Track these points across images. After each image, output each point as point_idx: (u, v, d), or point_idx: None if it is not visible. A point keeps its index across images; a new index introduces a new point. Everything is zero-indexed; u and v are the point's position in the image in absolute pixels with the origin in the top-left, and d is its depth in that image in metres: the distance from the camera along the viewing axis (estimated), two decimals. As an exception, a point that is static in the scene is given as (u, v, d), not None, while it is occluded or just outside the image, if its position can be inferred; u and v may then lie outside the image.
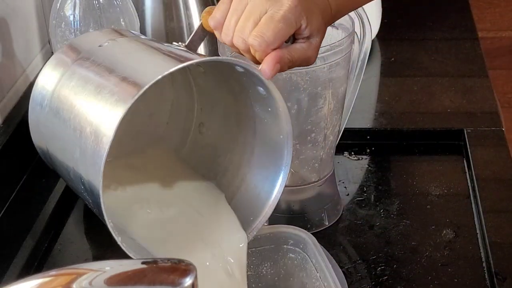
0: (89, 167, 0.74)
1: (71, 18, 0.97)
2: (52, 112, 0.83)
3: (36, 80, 0.87)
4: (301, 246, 0.84)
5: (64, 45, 0.89)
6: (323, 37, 0.78)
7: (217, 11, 0.76)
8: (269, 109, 0.78)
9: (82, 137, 0.75)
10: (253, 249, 0.83)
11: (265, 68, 0.73)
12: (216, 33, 0.78)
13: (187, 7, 1.14)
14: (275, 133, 0.79)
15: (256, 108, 0.80)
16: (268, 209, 0.81)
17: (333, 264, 0.81)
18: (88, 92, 0.77)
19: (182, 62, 0.73)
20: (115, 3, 0.99)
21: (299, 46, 0.76)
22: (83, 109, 0.77)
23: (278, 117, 0.78)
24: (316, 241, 0.83)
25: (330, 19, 0.79)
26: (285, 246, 0.85)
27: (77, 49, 0.85)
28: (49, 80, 0.85)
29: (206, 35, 0.80)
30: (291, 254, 0.85)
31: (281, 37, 0.73)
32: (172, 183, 0.85)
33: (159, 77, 0.70)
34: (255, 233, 0.80)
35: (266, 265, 0.86)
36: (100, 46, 0.83)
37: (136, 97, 0.69)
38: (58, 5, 0.98)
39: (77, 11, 0.97)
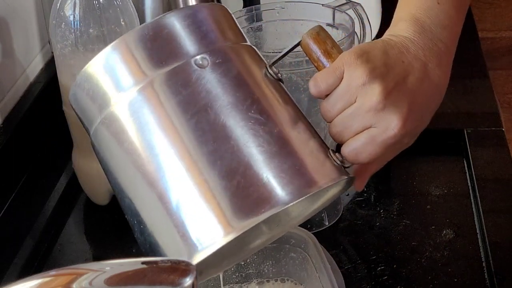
0: (165, 231, 0.63)
1: (71, 18, 0.97)
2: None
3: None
4: (302, 246, 0.84)
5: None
6: None
7: (323, 81, 0.69)
8: None
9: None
10: None
11: (359, 185, 0.72)
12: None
13: (187, 7, 1.14)
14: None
15: None
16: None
17: (332, 265, 0.81)
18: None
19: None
20: (115, 3, 0.99)
21: (394, 149, 0.71)
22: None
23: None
24: (317, 241, 0.83)
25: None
26: (286, 245, 0.85)
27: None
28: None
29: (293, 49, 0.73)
30: (292, 254, 0.85)
31: (375, 159, 0.69)
32: None
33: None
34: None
35: (267, 263, 0.87)
36: None
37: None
38: (58, 5, 0.98)
39: (77, 11, 0.97)
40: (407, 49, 0.71)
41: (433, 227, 0.99)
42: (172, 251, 0.63)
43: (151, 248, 0.65)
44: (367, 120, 0.67)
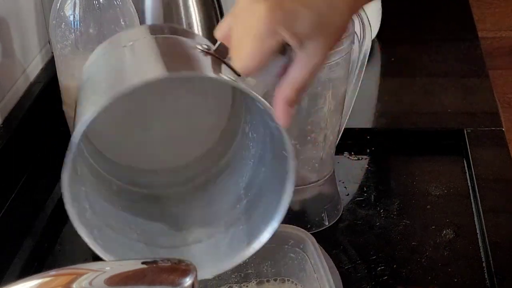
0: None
1: (71, 18, 0.97)
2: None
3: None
4: (301, 247, 0.84)
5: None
6: (329, 34, 0.68)
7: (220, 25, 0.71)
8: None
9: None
10: None
11: (279, 115, 0.69)
12: None
13: (187, 7, 1.14)
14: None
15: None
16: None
17: (330, 266, 0.81)
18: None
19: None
20: (115, 3, 0.99)
21: (297, 61, 0.69)
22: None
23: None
24: (315, 241, 0.83)
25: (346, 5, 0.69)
26: (285, 246, 0.85)
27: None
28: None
29: None
30: (291, 254, 0.85)
31: (258, 58, 0.67)
32: None
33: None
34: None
35: (267, 264, 0.87)
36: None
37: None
38: (58, 5, 0.98)
39: (77, 11, 0.97)
40: None
41: (433, 227, 0.99)
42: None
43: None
44: (241, 22, 0.67)
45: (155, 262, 0.58)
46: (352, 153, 1.14)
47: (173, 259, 0.59)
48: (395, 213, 1.02)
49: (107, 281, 0.56)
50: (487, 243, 0.93)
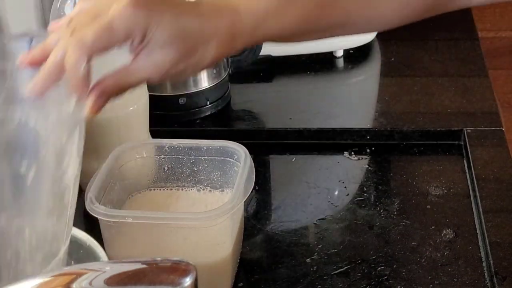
0: None
1: (71, 18, 0.97)
2: None
3: None
4: (241, 161, 0.91)
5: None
6: (185, 54, 0.66)
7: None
8: None
9: None
10: (206, 157, 0.95)
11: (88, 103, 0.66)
12: None
13: (187, 7, 1.14)
14: None
15: None
16: None
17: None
18: None
19: None
20: (115, 3, 0.99)
21: (135, 62, 0.65)
22: None
23: None
24: (249, 154, 0.91)
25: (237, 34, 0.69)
26: (231, 159, 0.94)
27: None
28: None
29: None
30: (235, 168, 0.93)
31: (96, 47, 0.63)
32: None
33: None
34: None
35: (216, 173, 0.95)
36: None
37: None
38: (58, 5, 0.98)
39: (77, 11, 0.97)
40: None
41: (433, 227, 0.99)
42: None
43: None
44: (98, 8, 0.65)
45: (155, 262, 0.58)
46: (352, 153, 1.14)
47: (173, 259, 0.59)
48: (395, 213, 1.02)
49: (107, 281, 0.56)
50: (487, 243, 0.93)
